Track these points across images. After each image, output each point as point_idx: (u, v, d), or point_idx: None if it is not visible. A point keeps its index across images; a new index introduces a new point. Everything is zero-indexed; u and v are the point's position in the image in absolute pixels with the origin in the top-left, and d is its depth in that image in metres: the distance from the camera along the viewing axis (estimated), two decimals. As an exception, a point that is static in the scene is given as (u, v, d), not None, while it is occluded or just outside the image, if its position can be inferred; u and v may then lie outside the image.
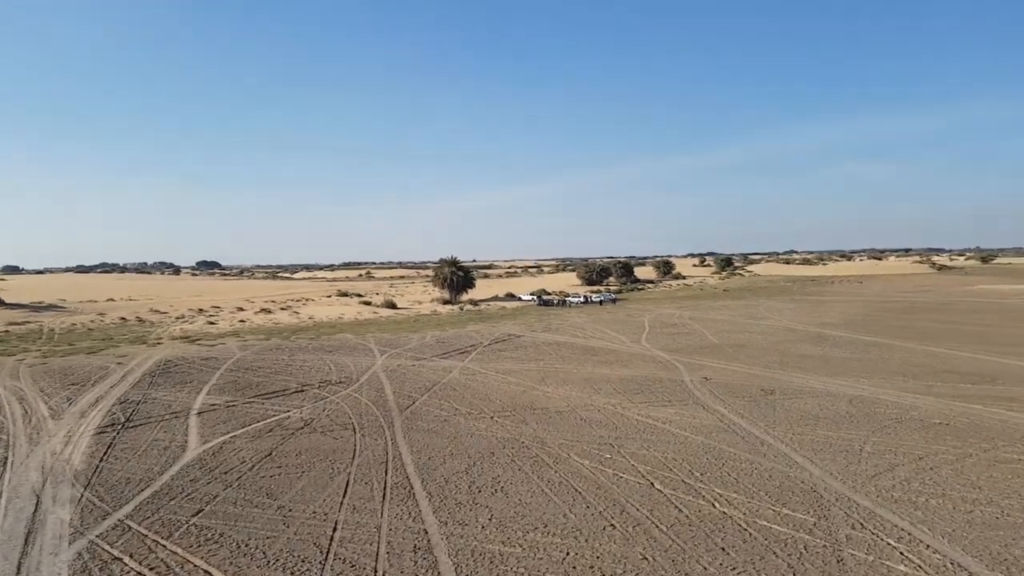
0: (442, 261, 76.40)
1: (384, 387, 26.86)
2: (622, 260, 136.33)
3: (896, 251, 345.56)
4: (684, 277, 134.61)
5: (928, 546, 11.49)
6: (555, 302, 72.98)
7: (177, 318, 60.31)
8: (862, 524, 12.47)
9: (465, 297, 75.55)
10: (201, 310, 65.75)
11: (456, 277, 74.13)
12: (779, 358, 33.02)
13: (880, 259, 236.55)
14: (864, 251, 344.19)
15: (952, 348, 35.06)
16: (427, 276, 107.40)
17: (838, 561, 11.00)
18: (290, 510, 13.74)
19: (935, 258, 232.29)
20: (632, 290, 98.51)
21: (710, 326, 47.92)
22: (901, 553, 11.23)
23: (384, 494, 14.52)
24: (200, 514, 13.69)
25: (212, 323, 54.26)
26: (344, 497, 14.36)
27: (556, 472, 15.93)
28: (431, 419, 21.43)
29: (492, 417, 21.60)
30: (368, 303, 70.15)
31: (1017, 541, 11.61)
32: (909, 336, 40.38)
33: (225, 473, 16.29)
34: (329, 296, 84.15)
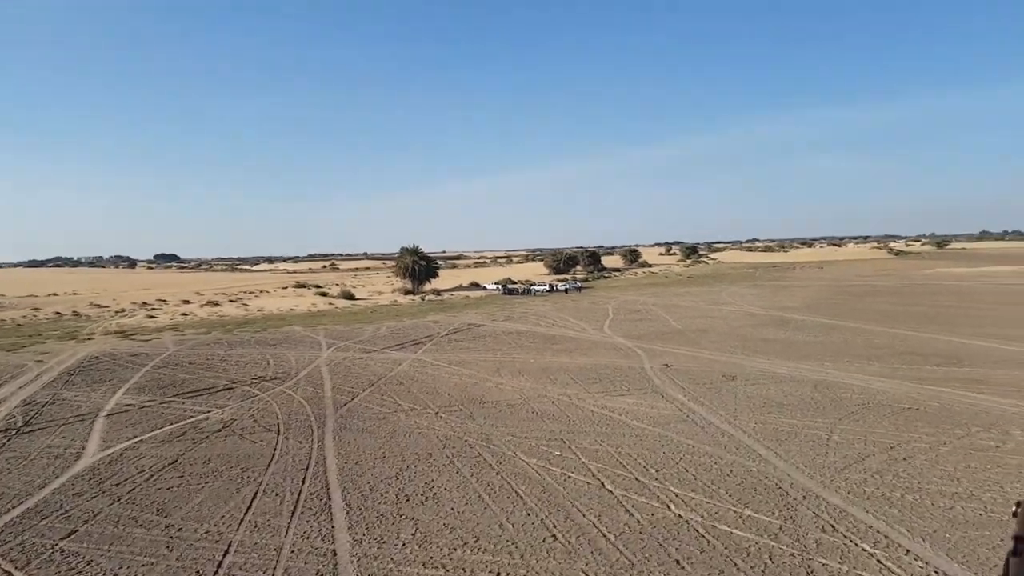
0: (404, 250, 73.74)
1: (324, 382, 24.71)
2: (590, 249, 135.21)
3: (855, 238, 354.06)
4: (650, 265, 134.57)
5: (908, 551, 10.09)
6: (520, 291, 71.26)
7: (117, 312, 56.57)
8: (833, 526, 11.04)
9: (428, 287, 73.24)
10: (145, 303, 62.02)
11: (418, 266, 71.68)
12: (741, 343, 31.93)
13: (839, 246, 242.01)
14: (824, 238, 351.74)
15: (914, 329, 34.54)
16: (393, 267, 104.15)
17: (808, 573, 9.50)
18: (179, 529, 11.65)
19: (892, 244, 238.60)
20: (599, 278, 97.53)
21: (673, 312, 46.85)
22: (878, 561, 9.79)
23: (295, 507, 12.52)
24: (72, 536, 11.50)
25: (152, 317, 50.90)
26: (247, 512, 12.32)
27: (498, 474, 14.16)
28: (368, 417, 19.43)
29: (436, 413, 19.70)
30: (324, 294, 67.28)
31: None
32: (871, 318, 39.89)
33: (117, 485, 14.04)
34: (285, 288, 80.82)
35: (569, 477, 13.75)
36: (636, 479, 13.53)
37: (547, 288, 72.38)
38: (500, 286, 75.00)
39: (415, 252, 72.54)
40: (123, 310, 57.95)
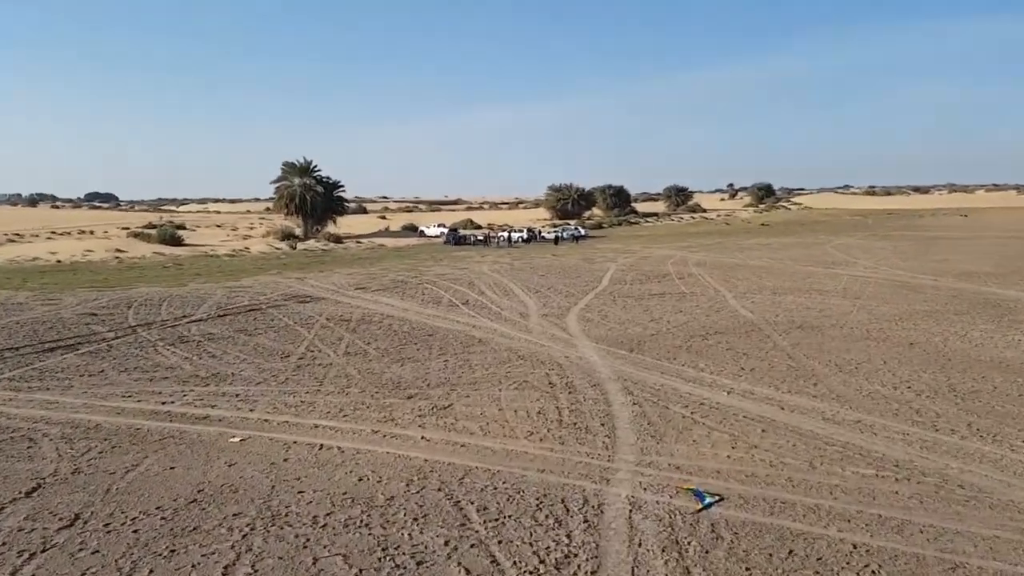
0: (287, 169, 53.73)
1: None
2: (615, 187, 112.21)
3: (982, 185, 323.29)
4: (704, 210, 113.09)
5: None
6: (474, 239, 53.67)
7: None
8: None
9: (332, 229, 54.20)
10: None
11: (312, 196, 52.36)
12: (946, 385, 12.35)
13: (968, 192, 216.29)
14: (941, 185, 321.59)
15: None
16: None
17: None
18: None
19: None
20: (621, 224, 77.66)
21: (735, 280, 27.26)
22: None
23: None
24: None
25: None
26: None
27: None
28: None
29: None
30: (140, 236, 49.79)
31: None
32: None
33: None
34: (126, 228, 63.61)
35: None
36: None
37: (523, 236, 54.33)
38: (451, 232, 56.67)
39: (306, 171, 52.83)
40: None
